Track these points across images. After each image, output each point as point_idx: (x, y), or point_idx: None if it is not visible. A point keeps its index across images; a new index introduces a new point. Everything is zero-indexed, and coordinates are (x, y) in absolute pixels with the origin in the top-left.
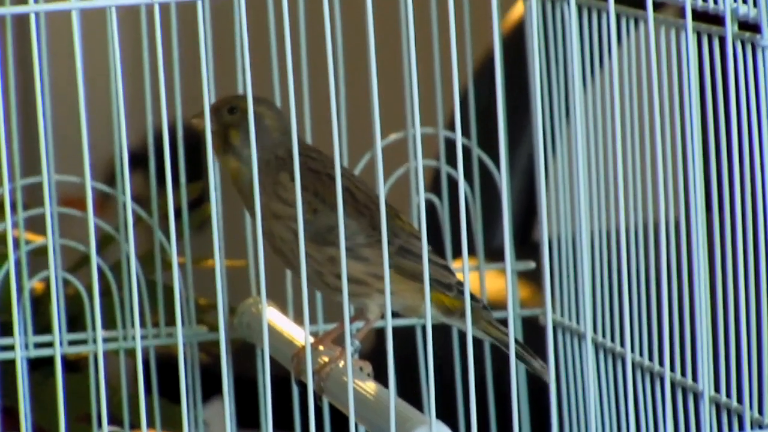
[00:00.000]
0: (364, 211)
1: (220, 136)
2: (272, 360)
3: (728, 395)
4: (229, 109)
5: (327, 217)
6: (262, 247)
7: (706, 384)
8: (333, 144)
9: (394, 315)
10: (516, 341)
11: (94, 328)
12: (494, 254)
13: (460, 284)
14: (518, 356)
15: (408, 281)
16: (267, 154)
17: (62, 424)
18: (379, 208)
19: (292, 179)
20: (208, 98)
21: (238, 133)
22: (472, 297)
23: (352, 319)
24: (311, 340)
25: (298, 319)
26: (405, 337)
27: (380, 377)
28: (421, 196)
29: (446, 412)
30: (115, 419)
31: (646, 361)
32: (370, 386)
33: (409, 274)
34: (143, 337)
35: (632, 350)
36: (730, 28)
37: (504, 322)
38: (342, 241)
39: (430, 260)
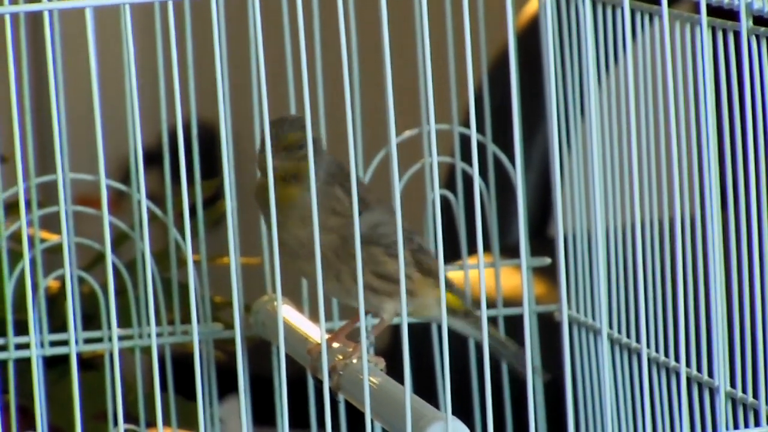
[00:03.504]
0: (392, 212)
1: (291, 171)
2: (288, 357)
3: (744, 391)
4: (299, 146)
5: (370, 215)
6: (277, 245)
7: (722, 379)
8: (348, 140)
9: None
10: (506, 338)
11: (109, 326)
12: (509, 250)
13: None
14: (499, 350)
15: (426, 279)
16: (325, 174)
17: (78, 422)
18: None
19: (345, 191)
20: (222, 96)
21: (307, 163)
22: (460, 293)
23: (376, 309)
24: (326, 337)
25: (314, 317)
26: (420, 334)
27: (395, 374)
28: (436, 193)
29: (462, 408)
30: (131, 417)
31: (662, 357)
32: (385, 382)
33: (427, 272)
34: (159, 335)
35: (648, 346)
36: (745, 23)
37: (515, 319)
38: (357, 242)
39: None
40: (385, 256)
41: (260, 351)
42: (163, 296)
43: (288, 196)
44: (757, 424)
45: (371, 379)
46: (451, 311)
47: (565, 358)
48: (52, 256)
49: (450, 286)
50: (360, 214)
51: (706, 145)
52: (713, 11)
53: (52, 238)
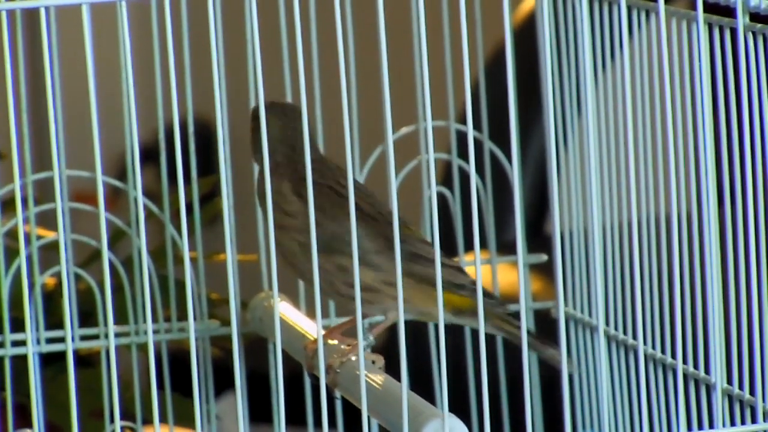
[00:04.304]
0: (369, 221)
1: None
2: (284, 354)
3: (741, 387)
4: (252, 117)
5: (330, 226)
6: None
7: (718, 376)
8: (345, 137)
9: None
10: (528, 331)
11: (105, 323)
12: (506, 247)
13: (474, 284)
14: (531, 346)
15: (419, 286)
16: (271, 162)
17: (74, 419)
18: (385, 220)
19: (294, 191)
20: (219, 93)
21: (253, 138)
22: (486, 293)
23: (365, 314)
24: (323, 333)
25: (310, 313)
26: (417, 331)
27: (392, 371)
28: (432, 190)
29: (458, 405)
30: (127, 414)
31: (659, 354)
32: (382, 380)
33: (420, 279)
34: (155, 332)
35: (644, 342)
36: (742, 20)
37: (516, 315)
38: (355, 249)
39: (442, 263)
40: (358, 266)
41: (257, 348)
42: (159, 293)
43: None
44: (753, 420)
45: (368, 376)
46: (459, 311)
47: (562, 355)
48: (49, 253)
49: (461, 286)
50: (317, 224)
51: (703, 143)
52: (710, 8)
53: (49, 235)
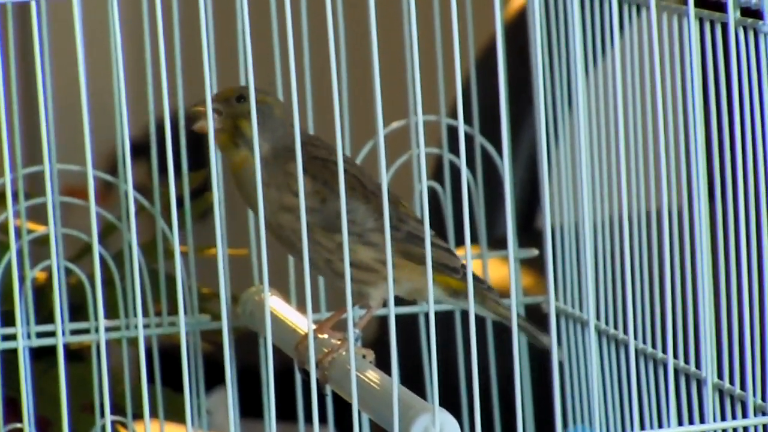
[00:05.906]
0: (371, 197)
1: (228, 128)
2: (275, 348)
3: (731, 382)
4: (238, 98)
5: (336, 204)
6: (265, 236)
7: (709, 371)
8: (336, 131)
9: (396, 302)
10: (520, 316)
11: (96, 318)
12: (497, 242)
13: (465, 267)
14: (523, 329)
15: (417, 266)
16: (277, 145)
17: (65, 413)
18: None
19: (305, 171)
20: (209, 87)
21: (249, 123)
22: (477, 279)
23: (356, 301)
24: (314, 328)
25: (301, 308)
26: (407, 325)
27: (383, 365)
28: (423, 184)
29: (449, 400)
30: (118, 409)
31: (650, 348)
32: (373, 374)
33: (418, 259)
34: (146, 326)
35: (635, 337)
36: (732, 15)
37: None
38: (344, 227)
39: (435, 244)
40: (357, 245)
41: (248, 342)
42: (150, 287)
43: (240, 162)
44: (744, 415)
45: (359, 370)
46: (456, 293)
47: (552, 350)
48: (39, 247)
49: (455, 270)
50: (324, 201)
51: (694, 137)
52: (700, 3)
53: (39, 229)
